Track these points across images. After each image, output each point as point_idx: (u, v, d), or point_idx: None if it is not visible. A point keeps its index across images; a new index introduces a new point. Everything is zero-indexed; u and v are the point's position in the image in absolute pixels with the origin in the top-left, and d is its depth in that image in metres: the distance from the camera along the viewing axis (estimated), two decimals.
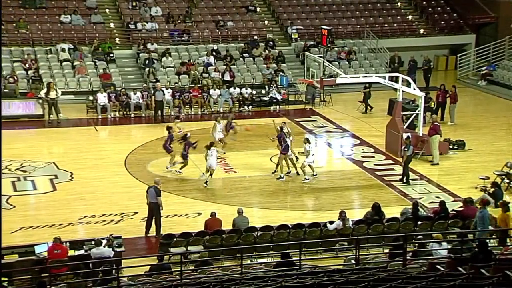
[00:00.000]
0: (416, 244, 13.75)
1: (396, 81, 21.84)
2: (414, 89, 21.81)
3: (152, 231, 15.66)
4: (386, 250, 13.92)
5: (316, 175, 19.39)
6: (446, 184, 19.06)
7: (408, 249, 12.75)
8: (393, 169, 20.27)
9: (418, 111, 21.48)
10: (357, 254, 12.51)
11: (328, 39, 26.98)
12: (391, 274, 10.24)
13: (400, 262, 12.04)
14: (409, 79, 22.23)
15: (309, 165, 19.26)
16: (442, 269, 10.62)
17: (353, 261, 12.67)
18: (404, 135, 19.83)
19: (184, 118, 24.10)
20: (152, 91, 25.40)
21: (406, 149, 18.95)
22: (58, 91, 24.77)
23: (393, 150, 21.36)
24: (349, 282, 9.57)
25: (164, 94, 25.12)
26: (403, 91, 21.55)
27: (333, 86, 26.15)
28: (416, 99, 22.52)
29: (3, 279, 11.00)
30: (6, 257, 13.35)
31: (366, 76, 25.45)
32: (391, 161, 20.93)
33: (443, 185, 18.97)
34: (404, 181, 18.99)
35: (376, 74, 24.94)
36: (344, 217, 15.08)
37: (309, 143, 19.26)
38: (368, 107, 26.45)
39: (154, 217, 15.71)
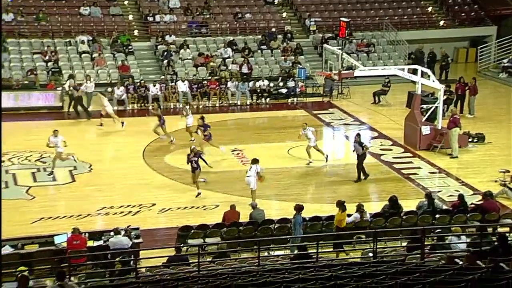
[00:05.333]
0: (435, 238, 13.66)
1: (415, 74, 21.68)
2: (433, 81, 21.63)
3: None
4: (404, 244, 13.86)
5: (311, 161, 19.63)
6: (465, 177, 18.90)
7: (426, 243, 12.68)
8: (411, 162, 20.15)
9: (437, 103, 21.30)
10: (375, 247, 12.46)
11: (346, 31, 26.78)
12: (409, 267, 10.18)
13: (418, 256, 11.98)
14: (429, 71, 22.04)
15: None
16: (461, 262, 10.54)
17: (370, 254, 12.64)
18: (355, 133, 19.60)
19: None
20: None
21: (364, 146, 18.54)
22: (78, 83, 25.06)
23: (412, 143, 21.23)
24: (367, 275, 9.53)
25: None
26: (422, 84, 21.39)
27: (349, 79, 26.01)
28: (435, 91, 22.34)
29: (23, 268, 11.13)
30: (26, 247, 13.51)
31: (384, 69, 25.27)
32: (409, 154, 20.79)
33: (462, 179, 18.82)
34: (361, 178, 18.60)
35: (395, 66, 24.77)
36: (362, 210, 15.03)
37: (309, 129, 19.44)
38: (376, 99, 26.35)
39: None
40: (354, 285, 8.91)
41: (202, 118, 20.30)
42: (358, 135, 18.85)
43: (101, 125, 22.68)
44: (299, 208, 14.31)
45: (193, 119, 21.41)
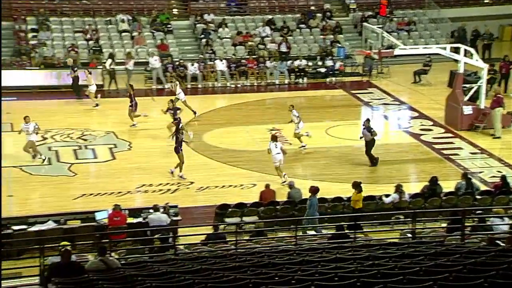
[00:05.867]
0: (475, 219, 13.45)
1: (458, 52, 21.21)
2: (477, 60, 21.13)
3: None
4: (444, 225, 13.69)
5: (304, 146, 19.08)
6: (508, 158, 18.51)
7: (466, 224, 12.49)
8: (452, 143, 19.82)
9: (481, 83, 20.82)
10: (414, 227, 12.34)
11: (387, 10, 26.32)
12: (449, 248, 10.05)
13: (458, 237, 11.81)
14: (472, 50, 21.53)
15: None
16: (502, 244, 10.36)
17: (409, 235, 12.53)
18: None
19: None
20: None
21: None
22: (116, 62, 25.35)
23: (453, 123, 20.86)
24: (405, 255, 9.45)
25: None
26: (465, 62, 20.93)
27: (389, 58, 25.56)
28: (478, 70, 21.83)
29: (66, 243, 11.38)
30: (68, 222, 13.82)
31: (426, 47, 24.79)
32: (450, 134, 20.45)
33: (505, 159, 18.43)
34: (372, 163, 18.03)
35: (437, 45, 24.28)
36: (401, 191, 14.89)
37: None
38: (417, 78, 25.88)
39: None
40: (392, 265, 8.83)
41: (172, 101, 19.87)
42: (368, 120, 18.21)
43: (96, 105, 22.63)
44: (314, 190, 14.18)
45: (184, 95, 21.46)
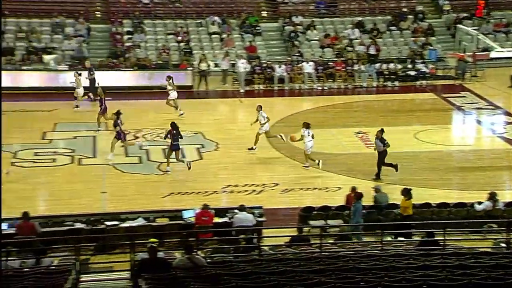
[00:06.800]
0: None
1: None
2: None
3: None
4: None
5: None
6: None
7: None
8: None
9: None
10: (508, 237, 11.79)
11: (484, 11, 25.35)
12: None
13: None
14: None
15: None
16: None
17: (503, 245, 11.98)
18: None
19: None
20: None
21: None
22: (210, 63, 25.83)
23: None
24: (499, 266, 9.03)
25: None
26: None
27: (484, 60, 24.64)
28: None
29: (154, 240, 11.66)
30: (157, 220, 14.18)
31: None
32: None
33: None
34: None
35: None
36: (495, 199, 14.28)
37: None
38: None
39: None
40: (485, 275, 8.47)
41: (117, 113, 18.61)
42: (381, 131, 17.27)
43: (76, 106, 22.83)
44: (359, 196, 13.82)
45: (176, 94, 21.91)
